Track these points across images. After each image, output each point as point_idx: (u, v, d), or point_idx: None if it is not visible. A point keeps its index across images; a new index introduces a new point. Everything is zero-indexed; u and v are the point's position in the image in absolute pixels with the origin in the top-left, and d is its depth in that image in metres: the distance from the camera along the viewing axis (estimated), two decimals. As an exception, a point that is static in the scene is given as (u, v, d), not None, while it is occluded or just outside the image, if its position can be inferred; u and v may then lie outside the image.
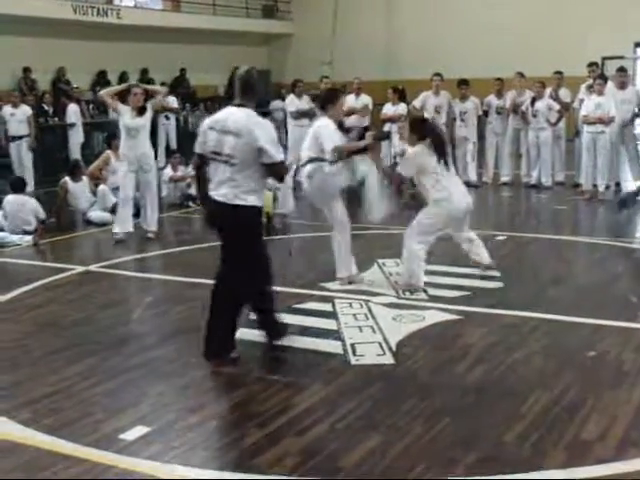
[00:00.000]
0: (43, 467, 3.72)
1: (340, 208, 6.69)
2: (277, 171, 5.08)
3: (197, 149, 5.13)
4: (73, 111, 14.99)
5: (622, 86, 11.79)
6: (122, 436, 4.01)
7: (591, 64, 12.42)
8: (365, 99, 13.35)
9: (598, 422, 4.04)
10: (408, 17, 21.27)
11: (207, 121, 5.16)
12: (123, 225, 8.98)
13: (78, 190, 10.31)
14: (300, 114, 12.58)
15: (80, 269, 7.80)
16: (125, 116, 8.93)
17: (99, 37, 17.76)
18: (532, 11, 19.37)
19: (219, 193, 4.95)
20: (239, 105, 5.04)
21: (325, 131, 6.53)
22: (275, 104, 21.13)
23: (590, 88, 11.69)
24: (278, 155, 4.93)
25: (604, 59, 17.04)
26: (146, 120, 9.11)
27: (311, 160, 6.57)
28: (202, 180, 5.12)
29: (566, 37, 18.45)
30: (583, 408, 4.22)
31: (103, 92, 9.51)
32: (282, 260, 7.79)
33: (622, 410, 4.19)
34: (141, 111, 9.01)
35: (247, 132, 4.86)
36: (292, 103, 13.12)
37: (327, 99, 6.83)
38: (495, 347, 5.25)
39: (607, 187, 11.58)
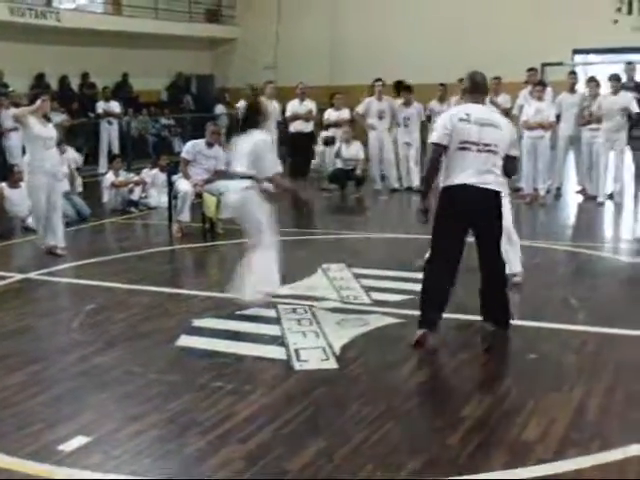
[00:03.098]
0: (-22, 481, 3.62)
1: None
2: (515, 165, 5.90)
3: (440, 140, 5.35)
4: (10, 115, 14.63)
5: (572, 89, 12.06)
6: (61, 447, 3.91)
7: (530, 69, 12.66)
8: (309, 104, 13.39)
9: (539, 423, 4.09)
10: (352, 23, 21.35)
11: (452, 115, 5.46)
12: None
13: (16, 196, 10.06)
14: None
15: (19, 277, 7.63)
16: (36, 127, 8.35)
17: (38, 40, 17.43)
18: (473, 18, 19.60)
19: (482, 181, 5.30)
20: (476, 102, 5.52)
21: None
22: (219, 108, 21.07)
23: (531, 93, 11.89)
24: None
25: (544, 65, 17.37)
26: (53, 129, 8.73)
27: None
28: (437, 170, 5.43)
29: (506, 43, 18.72)
30: (524, 410, 4.27)
31: (19, 112, 8.73)
32: (224, 266, 7.73)
33: (562, 411, 4.25)
34: (48, 120, 8.70)
35: (504, 125, 5.48)
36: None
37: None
38: (438, 350, 5.29)
39: (548, 191, 11.80)
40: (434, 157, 5.41)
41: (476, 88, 5.59)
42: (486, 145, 5.30)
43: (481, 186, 5.28)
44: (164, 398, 4.53)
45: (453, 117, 5.40)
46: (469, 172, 5.28)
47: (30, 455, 3.83)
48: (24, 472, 3.68)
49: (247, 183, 6.13)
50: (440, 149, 5.36)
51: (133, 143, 17.83)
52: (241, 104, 12.50)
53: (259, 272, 6.16)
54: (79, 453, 3.86)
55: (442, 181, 5.43)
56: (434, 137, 5.41)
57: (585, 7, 18.36)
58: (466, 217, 5.36)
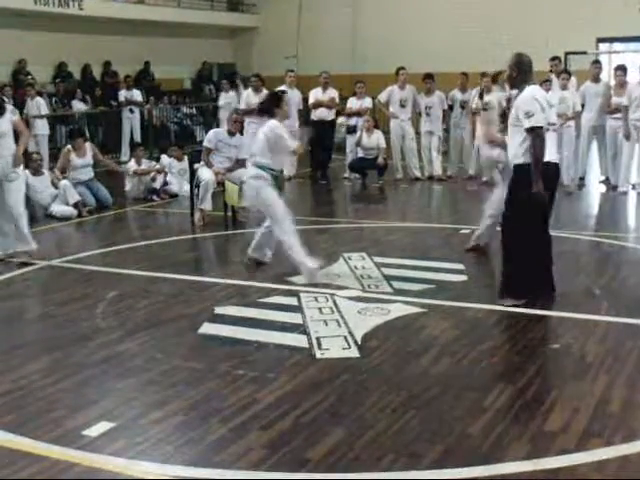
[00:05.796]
0: (3, 465, 3.65)
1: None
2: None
3: (543, 122, 5.70)
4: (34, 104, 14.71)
5: (596, 79, 11.93)
6: (85, 432, 3.95)
7: (554, 58, 12.54)
8: (332, 92, 13.38)
9: (561, 414, 4.07)
10: (373, 11, 21.28)
11: (540, 99, 5.77)
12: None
13: (39, 184, 10.13)
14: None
15: (42, 264, 7.69)
16: None
17: (61, 29, 17.52)
18: (497, 7, 19.49)
19: (555, 157, 6.01)
20: (535, 83, 5.97)
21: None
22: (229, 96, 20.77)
23: (545, 82, 11.75)
24: None
25: (567, 54, 17.22)
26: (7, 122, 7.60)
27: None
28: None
29: (530, 33, 18.58)
30: (547, 400, 4.26)
31: None
32: (246, 254, 7.73)
33: (585, 402, 4.23)
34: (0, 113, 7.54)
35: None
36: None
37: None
38: (459, 340, 5.27)
39: (574, 180, 11.73)
40: (542, 139, 5.67)
41: (530, 69, 5.93)
42: (554, 124, 5.99)
43: (555, 161, 5.98)
44: (186, 385, 4.56)
45: (546, 104, 5.76)
46: (547, 151, 5.73)
47: (55, 440, 3.87)
48: (49, 457, 3.72)
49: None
50: (543, 130, 5.71)
51: (155, 131, 17.88)
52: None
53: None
54: (103, 438, 3.89)
55: (520, 158, 5.79)
56: (535, 121, 5.66)
57: (609, -5, 18.19)
58: (548, 190, 5.80)
